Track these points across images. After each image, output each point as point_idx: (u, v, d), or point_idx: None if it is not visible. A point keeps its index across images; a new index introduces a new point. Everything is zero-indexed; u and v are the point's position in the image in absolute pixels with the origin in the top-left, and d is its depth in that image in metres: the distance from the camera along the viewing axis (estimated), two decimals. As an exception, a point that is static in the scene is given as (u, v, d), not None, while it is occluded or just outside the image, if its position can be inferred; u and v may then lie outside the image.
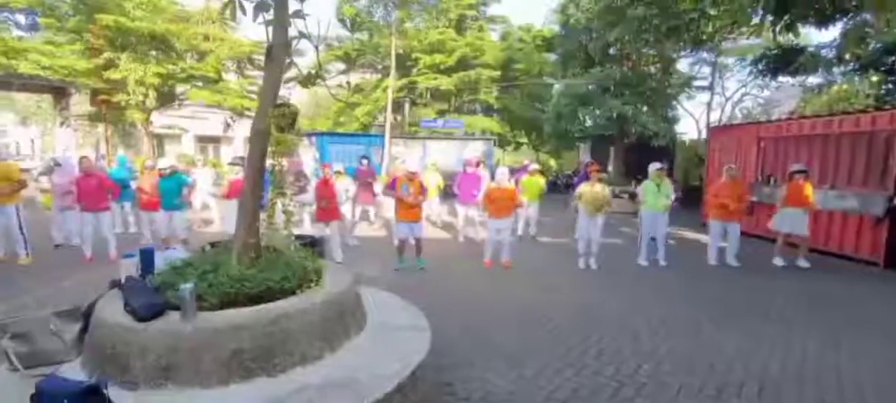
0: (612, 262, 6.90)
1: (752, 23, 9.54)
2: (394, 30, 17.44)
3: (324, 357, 2.60)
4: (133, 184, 8.09)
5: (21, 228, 6.23)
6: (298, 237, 4.01)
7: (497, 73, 21.62)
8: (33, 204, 9.86)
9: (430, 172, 9.27)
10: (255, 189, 2.95)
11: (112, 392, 2.02)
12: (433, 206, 9.68)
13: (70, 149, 13.66)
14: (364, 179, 8.87)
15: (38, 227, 7.16)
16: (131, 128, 15.97)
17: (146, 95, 13.33)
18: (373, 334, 3.00)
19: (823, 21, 9.19)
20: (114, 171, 8.49)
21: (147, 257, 2.99)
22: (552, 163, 29.25)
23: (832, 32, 14.38)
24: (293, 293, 2.75)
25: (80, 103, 14.52)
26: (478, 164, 9.21)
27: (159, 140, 26.36)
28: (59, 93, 14.07)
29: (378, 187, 8.99)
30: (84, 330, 2.60)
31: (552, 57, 23.52)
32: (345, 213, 7.59)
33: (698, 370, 3.46)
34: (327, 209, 6.51)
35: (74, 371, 2.38)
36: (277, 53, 2.85)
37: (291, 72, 3.02)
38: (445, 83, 20.60)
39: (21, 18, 15.48)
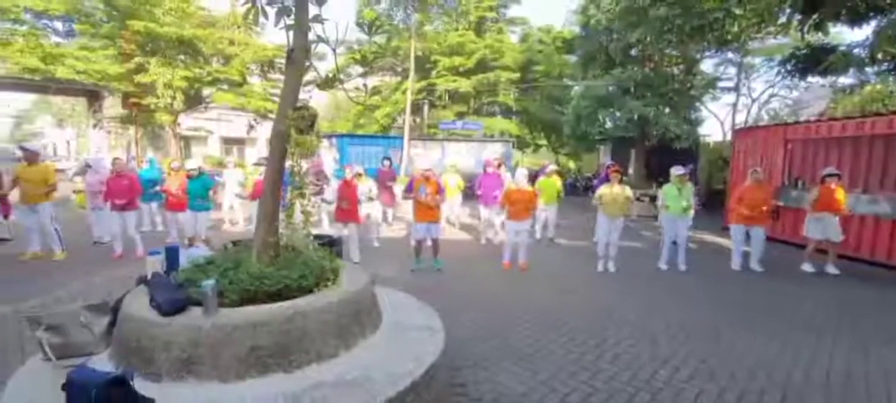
0: (631, 266, 6.81)
1: (780, 22, 9.26)
2: (413, 32, 17.56)
3: (339, 355, 2.65)
4: (156, 188, 8.35)
5: (55, 226, 6.52)
6: (317, 237, 4.10)
7: (516, 75, 21.54)
8: (68, 203, 10.32)
9: (450, 173, 9.31)
10: (274, 189, 3.03)
11: (137, 383, 2.11)
12: (454, 208, 9.72)
13: (102, 150, 14.21)
14: (384, 181, 8.97)
15: (72, 225, 7.48)
16: (160, 130, 16.52)
17: (174, 98, 13.80)
18: (388, 333, 3.04)
19: (856, 19, 8.85)
20: (144, 172, 8.79)
21: (172, 254, 3.10)
22: (571, 165, 28.96)
23: (865, 31, 13.82)
24: (311, 291, 2.82)
25: (112, 106, 15.12)
26: (499, 166, 9.18)
27: (186, 141, 27.20)
28: (93, 96, 14.65)
29: (397, 189, 9.08)
30: (112, 323, 2.71)
31: (572, 58, 23.33)
32: (369, 214, 7.64)
33: (718, 377, 3.39)
34: (347, 210, 6.59)
35: (102, 363, 2.49)
36: (297, 57, 2.93)
37: (311, 76, 3.08)
38: (464, 85, 20.63)
39: (58, 25, 16.26)
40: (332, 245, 4.05)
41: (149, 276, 2.92)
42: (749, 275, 6.47)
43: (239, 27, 14.80)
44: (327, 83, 2.97)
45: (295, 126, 2.91)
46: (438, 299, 3.99)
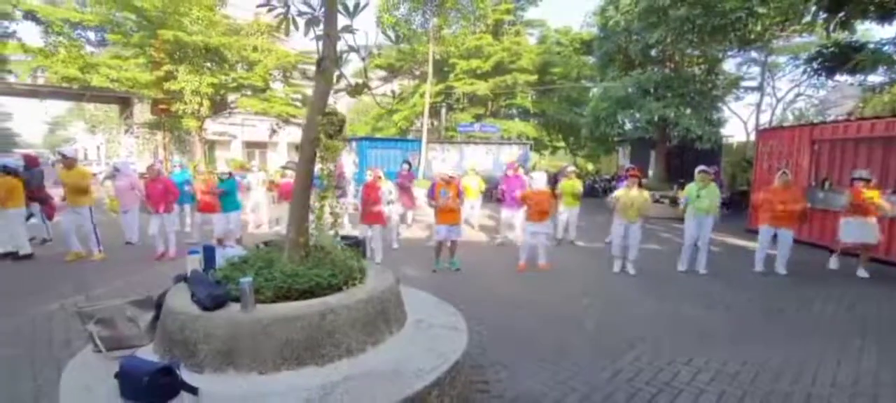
0: (651, 268, 6.78)
1: (805, 21, 9.09)
2: (432, 37, 17.73)
3: (366, 351, 2.77)
4: (187, 188, 8.66)
5: (94, 227, 6.85)
6: (343, 237, 4.24)
7: (534, 78, 21.51)
8: (101, 205, 10.75)
9: (471, 176, 9.41)
10: (305, 192, 3.17)
11: (182, 373, 2.26)
12: (474, 209, 9.80)
13: (133, 154, 14.78)
14: (404, 183, 9.12)
15: (106, 228, 7.81)
16: (186, 135, 17.03)
17: (201, 104, 14.25)
18: (412, 331, 3.15)
19: (885, 15, 8.64)
20: (177, 175, 9.08)
21: (209, 254, 3.27)
22: (589, 167, 28.71)
23: (895, 27, 13.44)
24: (340, 289, 2.95)
25: (141, 112, 15.70)
26: (517, 168, 9.27)
27: (210, 146, 27.95)
28: (125, 103, 15.28)
29: (417, 191, 9.22)
30: (156, 317, 2.89)
31: (590, 60, 23.17)
32: (389, 217, 7.77)
33: (740, 380, 3.39)
34: (373, 212, 6.73)
35: (148, 355, 2.65)
36: (327, 66, 3.07)
37: (339, 83, 3.23)
38: (482, 88, 20.70)
39: (91, 35, 16.98)
40: (357, 245, 4.19)
41: (188, 274, 3.09)
42: (773, 278, 6.37)
43: (263, 34, 15.21)
44: (357, 90, 3.09)
45: (324, 131, 3.05)
46: (460, 299, 4.08)
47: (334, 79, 3.14)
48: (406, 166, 9.56)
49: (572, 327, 4.41)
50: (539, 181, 6.65)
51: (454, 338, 3.06)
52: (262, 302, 2.69)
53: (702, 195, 6.46)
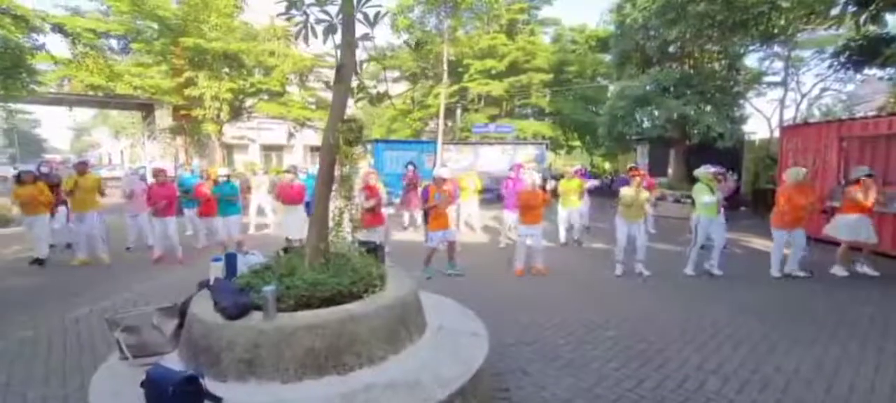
0: (671, 270, 6.62)
1: (833, 14, 8.78)
2: (446, 38, 17.71)
3: (388, 359, 2.76)
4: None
5: (102, 233, 7.05)
6: (361, 243, 4.25)
7: (549, 77, 21.32)
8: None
9: (469, 175, 9.33)
10: (325, 197, 3.18)
11: (206, 382, 2.28)
12: (472, 210, 9.70)
13: (155, 160, 15.11)
14: (410, 185, 9.10)
15: (114, 233, 8.00)
16: (206, 139, 17.35)
17: (220, 109, 14.52)
18: (433, 338, 3.13)
19: (919, 7, 8.28)
20: (186, 179, 9.19)
21: (231, 261, 3.30)
22: (606, 166, 28.34)
23: (930, 18, 12.93)
24: (360, 297, 2.94)
25: (162, 118, 16.06)
26: (518, 168, 9.06)
27: (229, 149, 28.46)
28: (147, 109, 15.64)
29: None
30: (180, 325, 2.92)
31: (606, 58, 22.87)
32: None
33: (772, 388, 3.28)
34: (375, 215, 6.60)
35: (173, 362, 2.69)
36: (346, 73, 3.07)
37: (361, 93, 3.23)
38: (497, 88, 20.61)
39: (114, 43, 17.45)
40: (375, 251, 4.19)
41: (211, 281, 3.12)
42: (791, 281, 6.16)
43: (279, 39, 15.41)
44: (378, 99, 3.09)
45: (344, 137, 3.05)
46: (468, 304, 4.02)
47: (354, 88, 3.14)
48: (411, 167, 9.57)
49: (591, 331, 4.33)
50: (527, 179, 6.47)
51: (475, 345, 3.03)
52: (285, 310, 2.70)
53: (712, 195, 6.28)
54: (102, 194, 7.23)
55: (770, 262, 6.46)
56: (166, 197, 7.06)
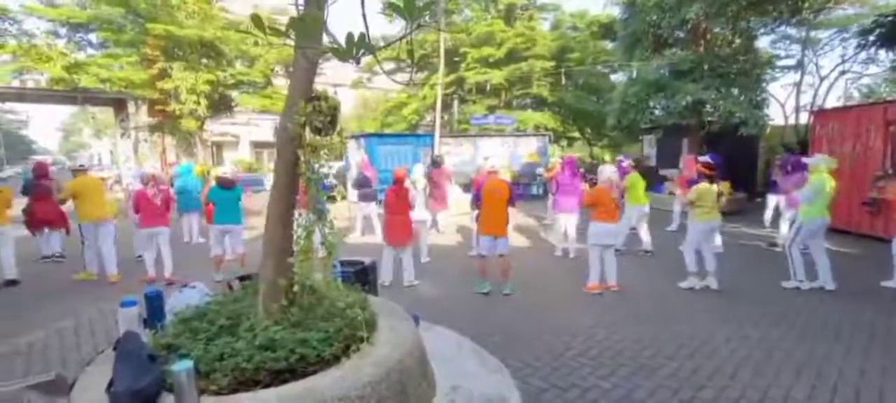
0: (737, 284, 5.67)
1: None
2: (442, 22, 16.65)
3: (380, 461, 1.80)
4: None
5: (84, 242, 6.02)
6: (344, 263, 3.27)
7: (549, 65, 20.32)
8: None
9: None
10: (285, 213, 2.19)
11: None
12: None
13: (129, 160, 14.03)
14: (437, 183, 8.15)
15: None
16: (190, 137, 16.29)
17: (198, 103, 13.44)
18: (445, 411, 2.17)
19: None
20: (180, 181, 8.14)
21: (153, 303, 2.32)
22: (607, 158, 27.42)
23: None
24: (338, 360, 1.97)
25: (138, 114, 14.97)
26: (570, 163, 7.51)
27: (218, 147, 27.29)
28: (119, 104, 14.53)
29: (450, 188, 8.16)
30: (66, 409, 1.94)
31: (610, 45, 21.88)
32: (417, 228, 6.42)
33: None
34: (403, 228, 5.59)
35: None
36: (310, 26, 2.05)
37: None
38: (496, 77, 19.59)
39: (93, 38, 16.29)
40: (363, 275, 3.21)
41: (121, 335, 2.14)
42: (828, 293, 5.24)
43: (262, 27, 14.30)
44: (358, 47, 2.05)
45: (309, 122, 2.06)
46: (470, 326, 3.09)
47: (322, 43, 2.10)
48: (433, 165, 8.63)
49: (644, 366, 3.37)
50: (605, 173, 5.32)
51: (508, 424, 2.07)
52: (216, 393, 1.73)
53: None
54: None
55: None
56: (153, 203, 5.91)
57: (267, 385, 1.77)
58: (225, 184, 5.79)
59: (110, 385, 1.78)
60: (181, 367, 1.58)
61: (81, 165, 6.46)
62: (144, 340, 2.05)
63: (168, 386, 1.72)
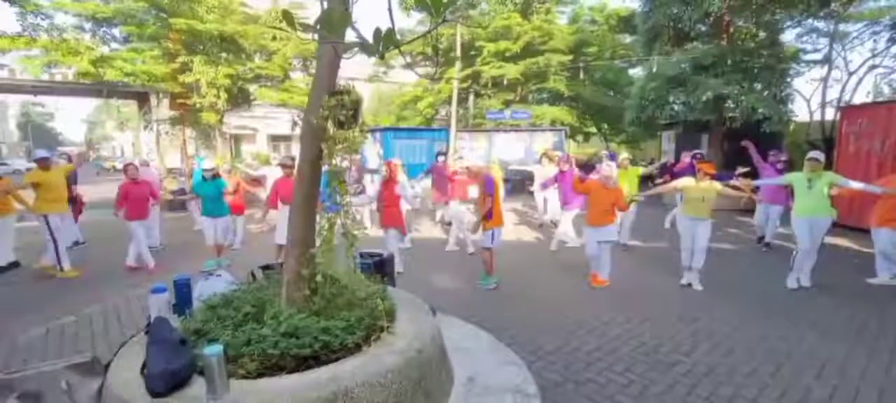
0: (737, 280, 5.61)
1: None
2: (459, 15, 16.60)
3: (399, 447, 1.85)
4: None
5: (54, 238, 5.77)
6: (364, 255, 3.33)
7: (567, 58, 20.07)
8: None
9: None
10: (307, 204, 2.25)
11: None
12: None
13: (152, 152, 14.35)
14: (441, 177, 8.19)
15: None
16: (209, 130, 16.55)
17: (218, 97, 13.63)
18: (462, 400, 2.21)
19: None
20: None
21: (182, 290, 2.41)
22: (623, 154, 27.01)
23: None
24: (359, 348, 2.03)
25: (160, 107, 15.27)
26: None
27: (236, 140, 27.68)
28: (142, 98, 14.83)
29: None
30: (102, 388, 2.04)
31: (628, 39, 21.52)
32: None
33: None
34: (393, 213, 5.77)
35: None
36: (335, 22, 2.10)
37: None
38: (512, 71, 19.43)
39: (116, 32, 16.64)
40: (381, 266, 3.27)
41: (151, 321, 2.23)
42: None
43: (281, 20, 14.40)
44: (385, 42, 2.08)
45: (333, 117, 2.11)
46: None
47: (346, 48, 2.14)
48: (442, 158, 8.67)
49: (660, 362, 3.36)
50: (603, 171, 5.30)
51: (525, 415, 2.10)
52: (243, 377, 1.79)
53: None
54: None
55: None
56: (142, 196, 6.12)
57: (292, 371, 1.84)
58: (207, 177, 6.14)
59: (144, 367, 1.86)
60: (213, 351, 1.65)
61: (43, 157, 6.02)
62: (174, 325, 2.14)
63: (199, 369, 1.79)
